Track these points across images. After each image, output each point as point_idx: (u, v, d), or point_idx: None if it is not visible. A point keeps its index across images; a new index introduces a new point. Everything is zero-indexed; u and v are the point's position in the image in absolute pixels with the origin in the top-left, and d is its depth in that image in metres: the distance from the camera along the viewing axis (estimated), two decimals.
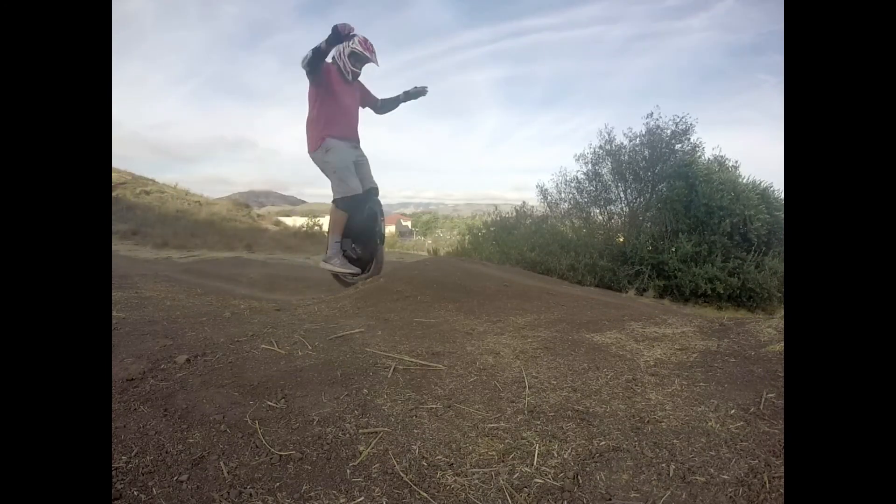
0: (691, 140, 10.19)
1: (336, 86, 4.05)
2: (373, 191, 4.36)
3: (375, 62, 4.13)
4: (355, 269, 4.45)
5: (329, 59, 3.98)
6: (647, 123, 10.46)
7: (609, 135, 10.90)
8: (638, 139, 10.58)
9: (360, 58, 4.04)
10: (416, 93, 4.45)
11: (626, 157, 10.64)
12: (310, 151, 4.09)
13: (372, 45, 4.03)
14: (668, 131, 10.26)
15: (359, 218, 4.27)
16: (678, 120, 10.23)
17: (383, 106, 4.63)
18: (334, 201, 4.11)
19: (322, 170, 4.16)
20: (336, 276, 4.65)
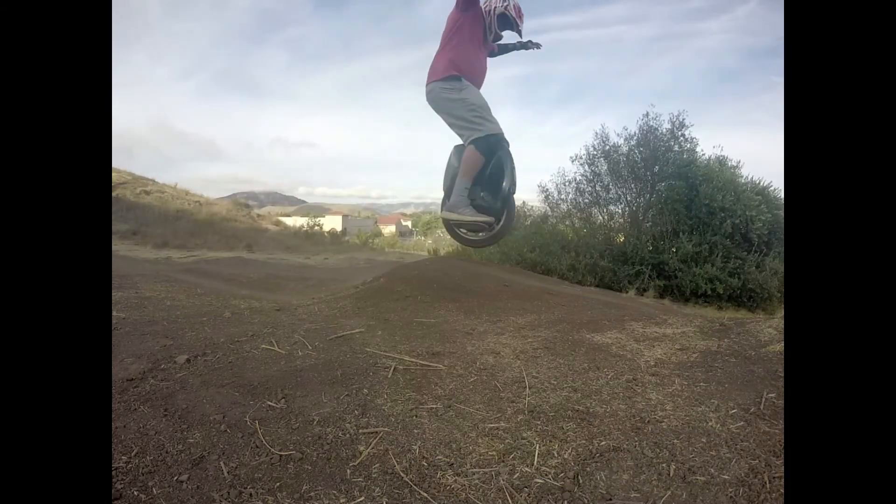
0: (686, 136, 10.16)
1: (478, 35, 3.71)
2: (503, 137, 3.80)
3: (519, 33, 3.82)
4: (489, 217, 3.76)
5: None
6: (641, 124, 10.46)
7: (606, 135, 10.92)
8: (634, 139, 10.57)
9: (508, 22, 3.81)
10: (532, 45, 4.08)
11: (623, 157, 10.63)
12: (435, 80, 3.63)
13: (523, 15, 3.76)
14: (664, 129, 10.24)
15: (492, 163, 3.73)
16: (673, 118, 10.22)
17: (498, 53, 4.20)
18: (473, 141, 3.60)
19: (445, 106, 3.61)
20: (455, 230, 3.91)
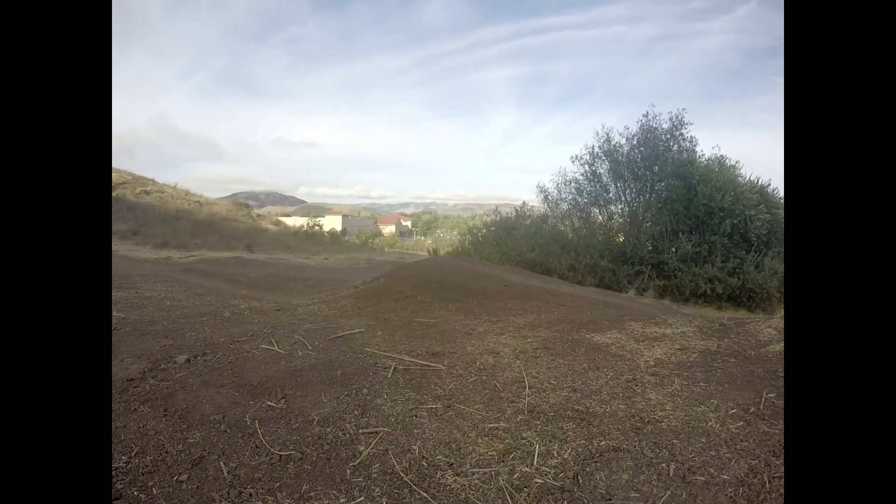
0: (686, 136, 10.16)
1: None
2: None
3: None
4: None
5: None
6: (641, 123, 10.47)
7: (607, 134, 10.94)
8: (635, 139, 10.58)
9: None
10: None
11: (623, 157, 10.64)
12: None
13: None
14: (664, 127, 10.24)
15: None
16: (672, 117, 10.22)
17: None
18: None
19: None
20: None
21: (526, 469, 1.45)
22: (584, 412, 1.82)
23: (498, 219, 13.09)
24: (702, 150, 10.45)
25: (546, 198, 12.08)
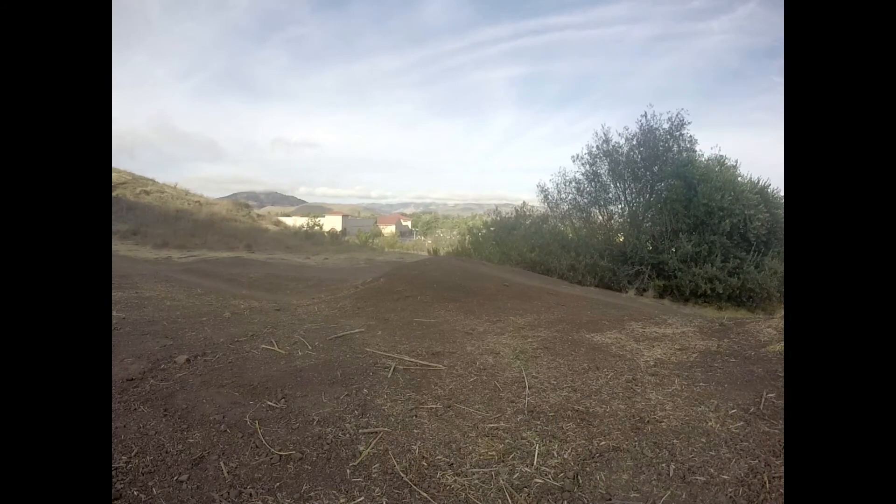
0: (685, 136, 10.15)
1: None
2: None
3: None
4: None
5: None
6: (640, 123, 10.47)
7: (606, 135, 10.94)
8: (635, 139, 10.58)
9: None
10: None
11: (623, 157, 10.65)
12: None
13: None
14: (664, 128, 10.22)
15: None
16: (672, 117, 10.21)
17: None
18: None
19: None
20: None
21: (526, 469, 1.45)
22: (584, 412, 1.82)
23: (498, 219, 13.09)
24: (701, 150, 10.45)
25: (546, 198, 12.07)
